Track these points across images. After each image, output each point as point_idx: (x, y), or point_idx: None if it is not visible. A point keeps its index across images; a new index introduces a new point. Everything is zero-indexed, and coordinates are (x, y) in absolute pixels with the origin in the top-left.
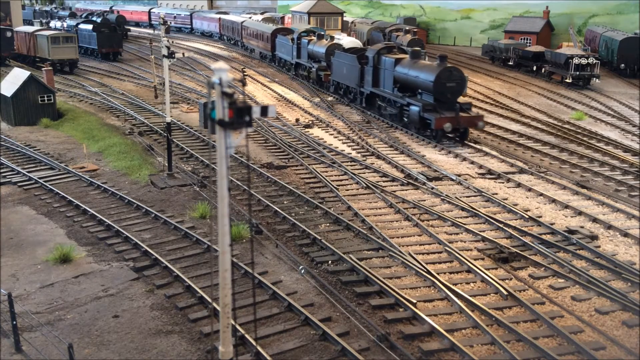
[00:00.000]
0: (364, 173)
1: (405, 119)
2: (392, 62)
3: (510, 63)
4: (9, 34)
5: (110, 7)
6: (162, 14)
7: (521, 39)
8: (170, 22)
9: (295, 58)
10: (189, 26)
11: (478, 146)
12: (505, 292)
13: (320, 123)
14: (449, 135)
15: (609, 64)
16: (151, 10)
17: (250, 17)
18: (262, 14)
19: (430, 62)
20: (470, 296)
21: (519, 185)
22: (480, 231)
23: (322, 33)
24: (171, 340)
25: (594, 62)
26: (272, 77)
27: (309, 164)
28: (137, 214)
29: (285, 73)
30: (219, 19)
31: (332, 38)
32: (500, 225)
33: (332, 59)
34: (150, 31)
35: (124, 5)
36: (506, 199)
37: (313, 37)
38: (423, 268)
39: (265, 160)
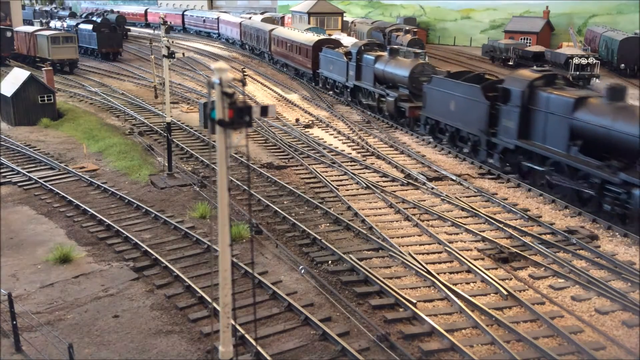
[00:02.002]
0: (364, 173)
1: (614, 208)
2: (569, 105)
3: (510, 63)
4: (9, 34)
5: (145, 10)
6: (189, 16)
7: (521, 39)
8: (200, 27)
9: (353, 80)
10: (217, 31)
11: None
12: (505, 292)
13: (320, 123)
14: None
15: (609, 64)
16: (184, 13)
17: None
18: (262, 13)
19: None
20: (470, 296)
21: (519, 185)
22: (480, 231)
23: (397, 47)
24: (171, 340)
25: (594, 62)
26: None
27: (309, 164)
28: (137, 214)
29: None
30: (240, 24)
31: (416, 55)
32: (500, 225)
33: (426, 87)
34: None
35: (157, 8)
36: (506, 199)
37: (383, 53)
38: (423, 268)
39: (265, 160)
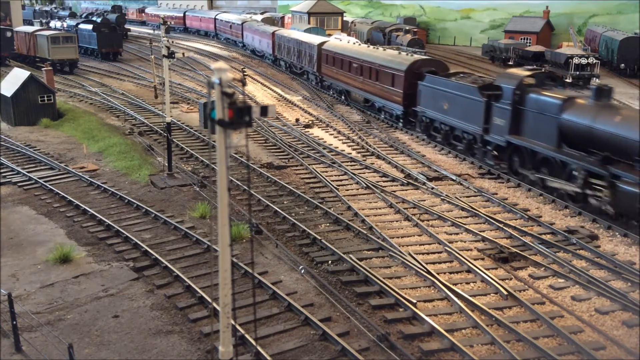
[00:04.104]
0: (364, 173)
1: None
2: None
3: (510, 63)
4: (9, 34)
5: (184, 13)
6: (224, 19)
7: (521, 39)
8: (227, 34)
9: (503, 133)
10: (242, 40)
11: None
12: (505, 292)
13: (320, 123)
14: None
15: (609, 64)
16: (216, 18)
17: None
18: (262, 13)
19: None
20: (470, 296)
21: (519, 185)
22: (480, 231)
23: (608, 87)
24: (171, 340)
25: (594, 62)
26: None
27: (309, 164)
28: (137, 214)
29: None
30: (273, 34)
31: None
32: (500, 225)
33: None
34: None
35: (194, 12)
36: (506, 199)
37: (577, 95)
38: (423, 268)
39: (265, 160)
